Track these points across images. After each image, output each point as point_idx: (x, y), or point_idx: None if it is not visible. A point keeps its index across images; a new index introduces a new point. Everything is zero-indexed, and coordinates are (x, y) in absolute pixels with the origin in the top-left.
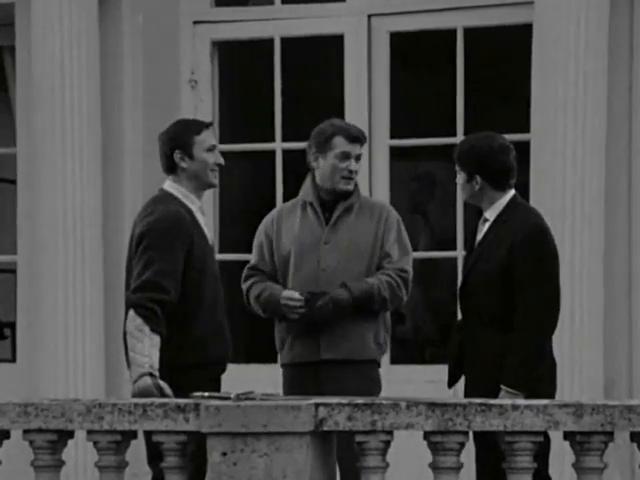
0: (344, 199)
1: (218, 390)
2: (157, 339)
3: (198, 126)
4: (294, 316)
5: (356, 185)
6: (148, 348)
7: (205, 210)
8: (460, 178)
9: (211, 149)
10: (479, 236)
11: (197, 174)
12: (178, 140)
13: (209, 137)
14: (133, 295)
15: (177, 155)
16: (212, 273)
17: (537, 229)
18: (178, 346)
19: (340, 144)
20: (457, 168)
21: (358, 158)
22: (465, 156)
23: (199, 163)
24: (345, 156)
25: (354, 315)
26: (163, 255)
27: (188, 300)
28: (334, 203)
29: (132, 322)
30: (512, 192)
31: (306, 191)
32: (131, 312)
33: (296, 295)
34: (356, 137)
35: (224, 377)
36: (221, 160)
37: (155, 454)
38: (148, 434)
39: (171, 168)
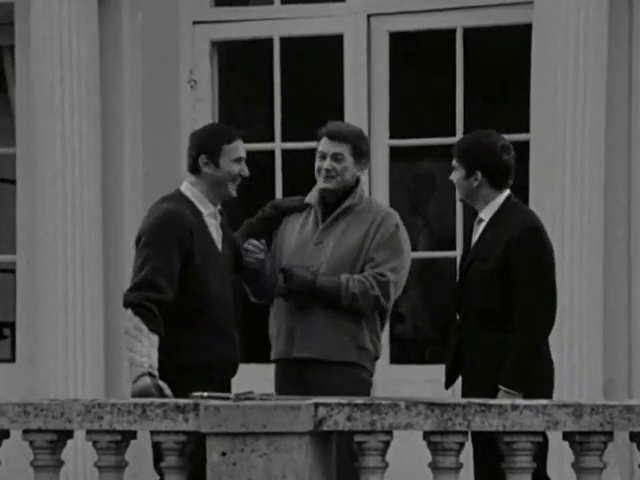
0: (344, 201)
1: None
2: (155, 338)
3: (230, 135)
4: (251, 260)
5: (356, 187)
6: (147, 348)
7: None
8: (458, 174)
9: (238, 160)
10: (475, 237)
11: (218, 182)
12: (207, 144)
13: (239, 148)
14: (130, 294)
15: (202, 159)
16: (219, 276)
17: (533, 229)
18: (180, 346)
19: (321, 144)
20: (455, 164)
21: (335, 157)
22: (468, 151)
23: (222, 172)
24: (321, 156)
25: (325, 308)
26: (159, 254)
27: (190, 301)
28: (335, 206)
29: (130, 321)
30: (507, 192)
31: (312, 194)
32: (129, 311)
33: (255, 242)
34: (330, 135)
35: None
36: (246, 172)
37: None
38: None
39: (194, 169)
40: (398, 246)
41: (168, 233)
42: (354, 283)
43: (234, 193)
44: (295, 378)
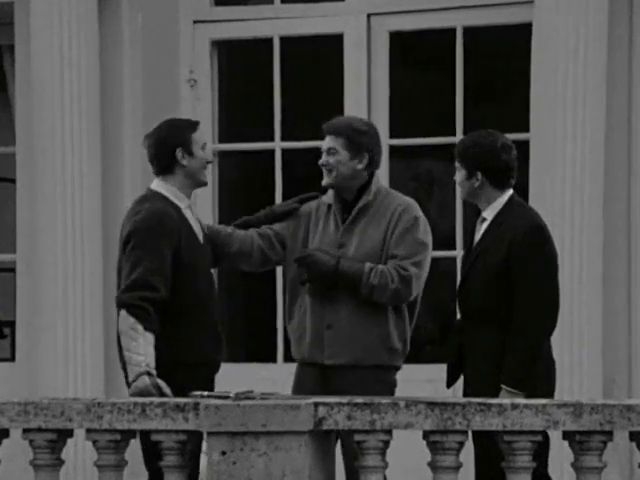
0: (360, 199)
1: (211, 390)
2: (151, 337)
3: (192, 124)
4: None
5: (369, 182)
6: (143, 346)
7: (204, 210)
8: (460, 175)
9: (204, 147)
10: (477, 236)
11: (194, 172)
12: (178, 138)
13: (202, 135)
14: (123, 295)
15: (179, 153)
16: (204, 269)
17: (536, 229)
18: (171, 344)
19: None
20: (457, 164)
21: (328, 151)
22: (468, 152)
23: (198, 161)
24: (323, 152)
25: (360, 311)
26: (150, 254)
27: (180, 297)
28: (352, 204)
29: (125, 321)
30: (510, 191)
31: (329, 194)
32: (123, 312)
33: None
34: (325, 129)
35: (224, 376)
36: (212, 158)
37: (152, 454)
38: (144, 436)
39: (167, 167)
40: (418, 239)
41: (157, 232)
42: (375, 274)
43: (207, 180)
44: (320, 382)
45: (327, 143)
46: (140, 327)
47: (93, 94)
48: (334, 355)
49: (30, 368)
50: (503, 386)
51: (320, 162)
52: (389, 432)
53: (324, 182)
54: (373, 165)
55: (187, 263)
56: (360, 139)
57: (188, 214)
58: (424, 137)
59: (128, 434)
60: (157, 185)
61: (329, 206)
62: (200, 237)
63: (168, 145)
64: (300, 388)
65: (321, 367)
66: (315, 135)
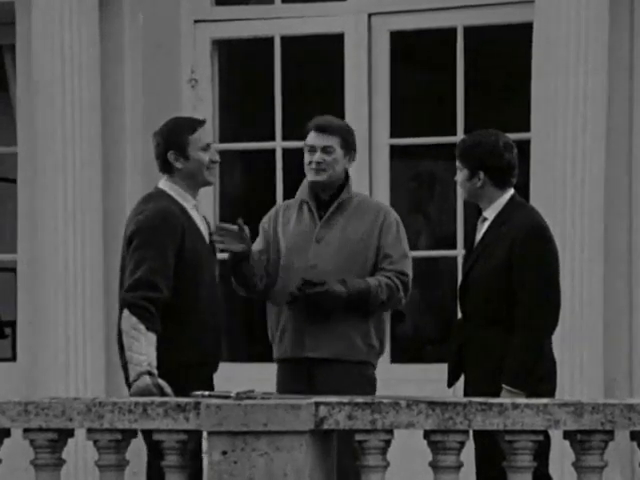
0: (338, 196)
1: (212, 390)
2: (153, 337)
3: (192, 125)
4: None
5: (347, 181)
6: (145, 346)
7: (205, 210)
8: (461, 175)
9: (206, 147)
10: (478, 236)
11: (192, 173)
12: (172, 140)
13: (204, 135)
14: (126, 294)
15: (171, 156)
16: (209, 271)
17: (537, 228)
18: (173, 344)
19: (309, 138)
20: (458, 165)
21: (325, 150)
22: (470, 152)
23: (194, 162)
24: (311, 149)
25: (347, 313)
26: (153, 253)
27: (182, 297)
28: (329, 202)
29: (127, 321)
30: (511, 191)
31: (302, 190)
32: (126, 311)
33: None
34: (318, 127)
35: (224, 376)
36: (217, 157)
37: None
38: (147, 433)
39: (166, 168)
40: (405, 241)
41: (161, 232)
42: (382, 289)
43: (212, 179)
44: (304, 378)
45: (323, 141)
46: (142, 327)
47: (94, 94)
48: (317, 348)
49: (31, 368)
50: (504, 386)
51: (315, 159)
52: (390, 432)
53: (315, 179)
54: (350, 164)
55: (191, 263)
56: (352, 138)
57: (194, 214)
58: (425, 137)
59: (129, 434)
60: (163, 184)
61: (300, 204)
62: (206, 237)
63: (162, 146)
64: (283, 387)
65: (304, 362)
66: None
